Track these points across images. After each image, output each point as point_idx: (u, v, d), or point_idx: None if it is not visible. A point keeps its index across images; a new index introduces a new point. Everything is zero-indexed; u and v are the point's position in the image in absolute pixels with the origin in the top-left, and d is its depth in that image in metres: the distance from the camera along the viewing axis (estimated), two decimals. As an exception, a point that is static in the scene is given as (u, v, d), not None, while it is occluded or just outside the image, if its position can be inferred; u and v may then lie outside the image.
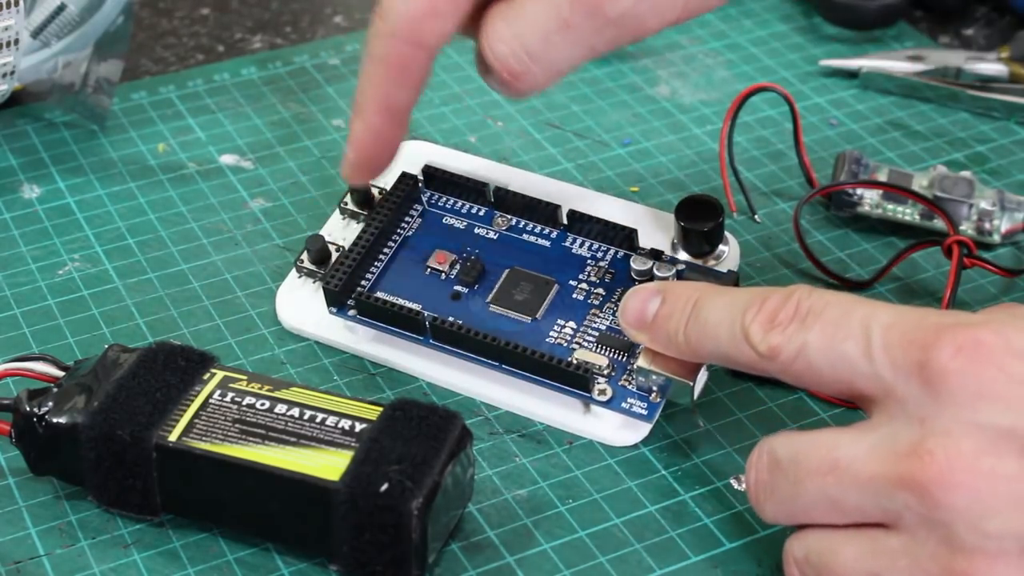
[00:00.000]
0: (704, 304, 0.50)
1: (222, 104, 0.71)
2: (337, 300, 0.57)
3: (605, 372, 0.55)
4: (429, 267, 0.59)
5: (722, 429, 0.56)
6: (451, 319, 0.56)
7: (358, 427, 0.50)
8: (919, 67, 0.72)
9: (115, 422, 0.50)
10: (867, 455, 0.45)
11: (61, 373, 0.53)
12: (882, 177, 0.65)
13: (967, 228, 0.63)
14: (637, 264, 0.57)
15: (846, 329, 0.46)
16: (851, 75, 0.74)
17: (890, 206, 0.64)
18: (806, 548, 0.47)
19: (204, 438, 0.50)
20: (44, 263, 0.62)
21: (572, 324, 0.56)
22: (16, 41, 0.63)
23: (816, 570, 0.47)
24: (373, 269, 0.58)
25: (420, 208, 0.61)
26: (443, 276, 0.58)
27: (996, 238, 0.63)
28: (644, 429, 0.55)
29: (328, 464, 0.49)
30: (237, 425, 0.50)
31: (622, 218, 0.59)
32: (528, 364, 0.55)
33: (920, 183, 0.64)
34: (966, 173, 0.64)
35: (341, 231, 0.60)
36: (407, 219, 0.60)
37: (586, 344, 0.56)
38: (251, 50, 0.76)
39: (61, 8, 0.67)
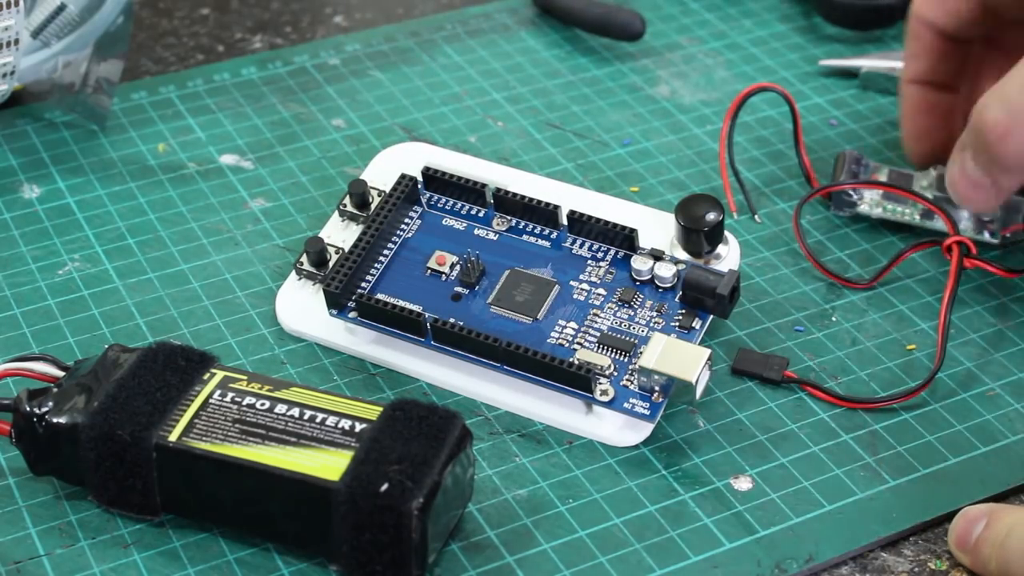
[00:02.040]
0: (1015, 532, 0.50)
1: (222, 104, 0.71)
2: (337, 302, 0.57)
3: (607, 372, 0.55)
4: (429, 268, 0.59)
5: (722, 429, 0.56)
6: (452, 320, 0.56)
7: (358, 427, 0.50)
8: (919, 67, 0.72)
9: (115, 422, 0.50)
10: None
11: (61, 373, 0.53)
12: (882, 177, 0.65)
13: (967, 228, 0.63)
14: (637, 264, 0.57)
15: None
16: (851, 75, 0.73)
17: (890, 206, 0.64)
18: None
19: (204, 438, 0.50)
20: (44, 263, 0.62)
21: (573, 325, 0.56)
22: (16, 41, 0.63)
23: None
24: (373, 271, 0.58)
25: (419, 210, 0.61)
26: (443, 277, 0.58)
27: (996, 239, 0.63)
28: (646, 429, 0.55)
29: (328, 464, 0.49)
30: (237, 425, 0.50)
31: (622, 218, 0.59)
32: (530, 365, 0.55)
33: (920, 183, 0.64)
34: None
35: (340, 233, 0.60)
36: (407, 221, 0.60)
37: (587, 344, 0.56)
38: (251, 50, 0.76)
39: (61, 8, 0.67)
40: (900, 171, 0.65)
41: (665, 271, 0.57)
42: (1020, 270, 0.61)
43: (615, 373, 0.55)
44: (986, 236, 0.63)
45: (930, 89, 0.64)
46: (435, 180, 0.61)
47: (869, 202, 0.64)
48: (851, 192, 0.64)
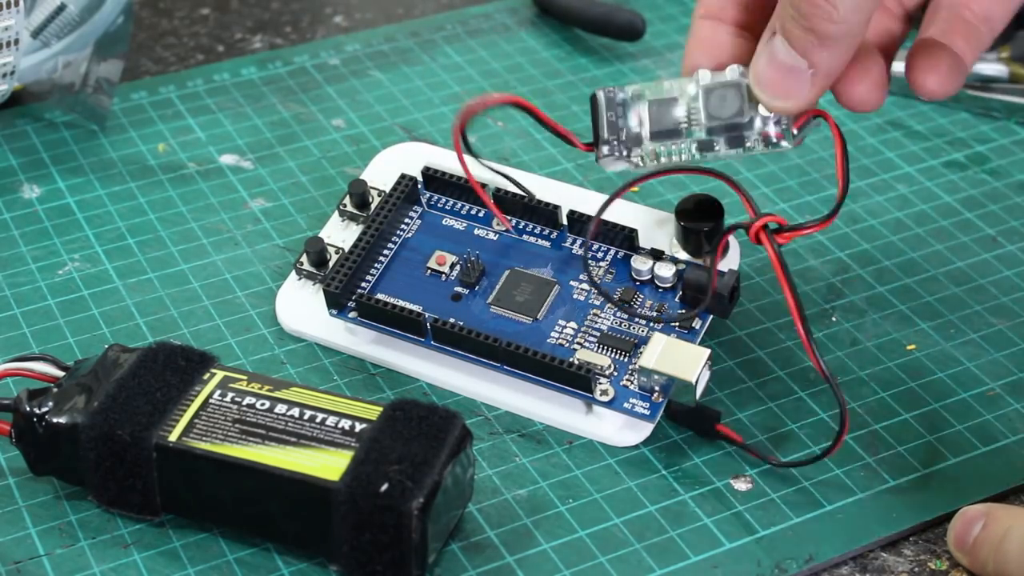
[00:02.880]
0: (1012, 534, 0.50)
1: (222, 104, 0.71)
2: (337, 302, 0.57)
3: (607, 372, 0.55)
4: (429, 268, 0.59)
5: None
6: (452, 320, 0.56)
7: (358, 427, 0.50)
8: (919, 67, 0.72)
9: (115, 422, 0.50)
10: None
11: (61, 373, 0.53)
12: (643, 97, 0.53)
13: (755, 144, 0.52)
14: (637, 264, 0.57)
15: None
16: (851, 75, 0.73)
17: (663, 149, 0.53)
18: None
19: (204, 438, 0.49)
20: (44, 263, 0.62)
21: (573, 325, 0.56)
22: (16, 41, 0.63)
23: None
24: (373, 271, 0.58)
25: (419, 210, 0.61)
26: (443, 277, 0.58)
27: (789, 141, 0.52)
28: (646, 429, 0.55)
29: (328, 464, 0.49)
30: (237, 425, 0.50)
31: (622, 218, 0.59)
32: (530, 365, 0.55)
33: (683, 103, 0.53)
34: (732, 73, 0.52)
35: (340, 233, 0.60)
36: (406, 221, 0.60)
37: (587, 344, 0.56)
38: (251, 50, 0.76)
39: (61, 8, 0.67)
40: (660, 100, 0.53)
41: (665, 271, 0.57)
42: (830, 217, 0.52)
43: (615, 373, 0.55)
44: (783, 145, 0.52)
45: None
46: (435, 180, 0.61)
47: (643, 154, 0.53)
48: (618, 149, 0.53)
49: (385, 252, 0.59)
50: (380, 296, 0.57)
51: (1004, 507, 0.51)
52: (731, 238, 0.58)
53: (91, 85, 0.69)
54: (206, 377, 0.52)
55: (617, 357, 0.55)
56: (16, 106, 0.70)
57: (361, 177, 0.62)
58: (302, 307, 0.59)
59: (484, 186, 0.60)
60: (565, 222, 0.59)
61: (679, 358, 0.54)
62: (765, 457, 0.54)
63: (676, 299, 0.57)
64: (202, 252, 0.63)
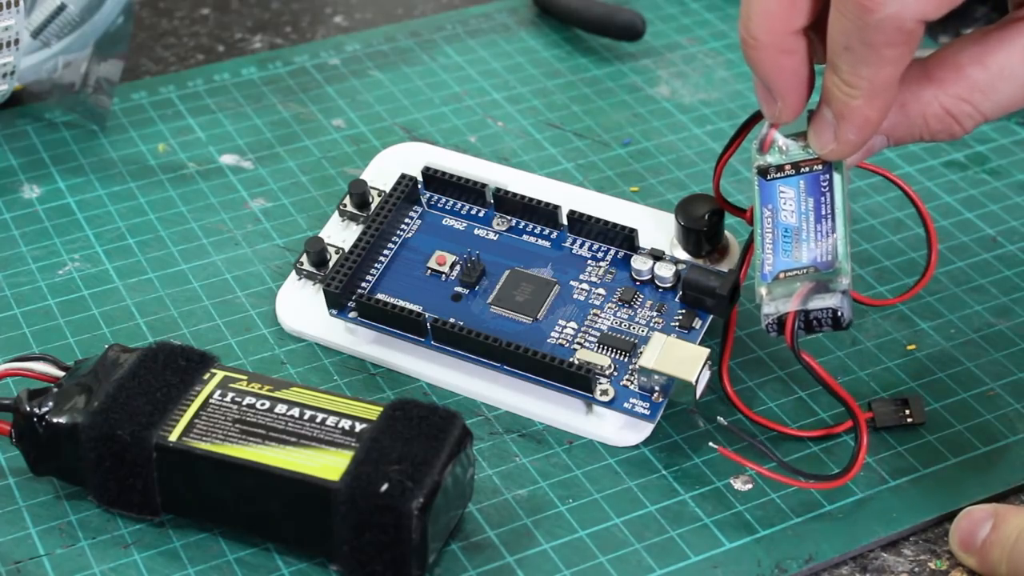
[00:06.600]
0: None
1: (222, 104, 0.71)
2: (338, 302, 0.57)
3: (607, 372, 0.55)
4: (429, 268, 0.59)
5: (722, 429, 0.56)
6: (452, 320, 0.56)
7: (358, 427, 0.50)
8: (919, 67, 0.72)
9: (115, 422, 0.50)
10: None
11: (61, 373, 0.53)
12: None
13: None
14: (637, 264, 0.57)
15: None
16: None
17: None
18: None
19: (204, 438, 0.50)
20: (44, 263, 0.62)
21: (573, 324, 0.56)
22: (16, 41, 0.63)
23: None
24: (373, 271, 0.58)
25: (419, 210, 0.61)
26: (443, 277, 0.58)
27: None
28: (647, 429, 0.55)
29: (328, 464, 0.49)
30: (237, 425, 0.50)
31: (622, 218, 0.59)
32: (530, 365, 0.55)
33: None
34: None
35: (340, 233, 0.60)
36: (407, 221, 0.60)
37: (587, 344, 0.56)
38: (251, 50, 0.76)
39: (61, 8, 0.67)
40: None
41: (665, 271, 0.57)
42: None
43: (615, 373, 0.55)
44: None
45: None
46: (435, 180, 0.61)
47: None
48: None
49: (385, 252, 0.59)
50: (380, 296, 0.57)
51: (1012, 508, 0.51)
52: (730, 237, 0.59)
53: (91, 85, 0.69)
54: (206, 377, 0.52)
55: (617, 357, 0.55)
56: (16, 106, 0.70)
57: (361, 177, 0.62)
58: (302, 307, 0.59)
59: (484, 186, 0.60)
60: (565, 222, 0.59)
61: (679, 358, 0.54)
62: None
63: (676, 299, 0.57)
64: (202, 252, 0.63)
